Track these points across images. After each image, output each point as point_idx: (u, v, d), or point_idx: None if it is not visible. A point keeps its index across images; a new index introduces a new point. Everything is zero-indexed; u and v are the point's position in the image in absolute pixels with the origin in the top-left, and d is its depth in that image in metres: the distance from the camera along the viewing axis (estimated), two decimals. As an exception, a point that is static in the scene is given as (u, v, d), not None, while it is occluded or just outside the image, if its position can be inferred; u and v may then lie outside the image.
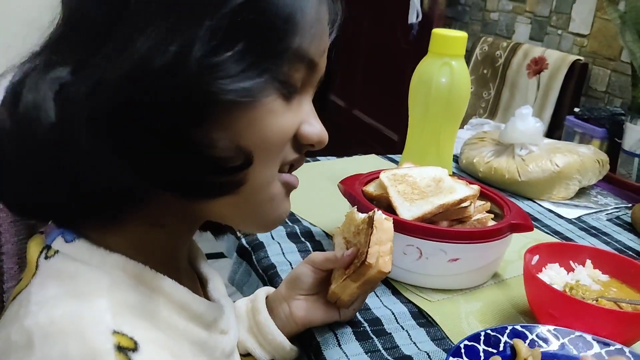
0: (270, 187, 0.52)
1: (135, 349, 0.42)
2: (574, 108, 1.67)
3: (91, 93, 0.42)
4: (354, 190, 0.95)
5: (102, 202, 0.47)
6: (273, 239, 1.00)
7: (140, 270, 0.48)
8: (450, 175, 1.02)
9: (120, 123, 0.43)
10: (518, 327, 0.74)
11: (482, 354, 0.69)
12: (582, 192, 1.37)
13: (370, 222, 0.73)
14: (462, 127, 2.02)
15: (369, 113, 2.67)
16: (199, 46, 0.42)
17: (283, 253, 0.96)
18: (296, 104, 0.51)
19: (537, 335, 0.73)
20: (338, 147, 2.73)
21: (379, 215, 0.74)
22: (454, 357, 0.67)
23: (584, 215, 1.27)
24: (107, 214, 0.49)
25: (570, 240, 1.14)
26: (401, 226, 0.86)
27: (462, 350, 0.68)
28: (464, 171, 1.45)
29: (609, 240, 1.17)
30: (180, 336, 0.50)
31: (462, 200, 0.91)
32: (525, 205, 1.29)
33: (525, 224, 0.91)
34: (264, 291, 0.80)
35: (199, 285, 0.63)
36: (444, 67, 1.13)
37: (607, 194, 1.40)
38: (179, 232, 0.55)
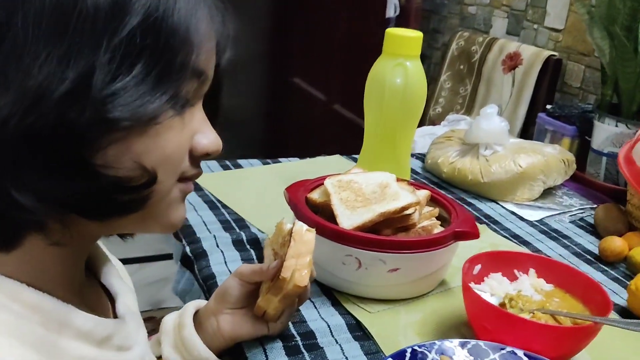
0: (169, 196, 0.52)
1: None
2: (547, 105, 1.64)
3: None
4: (297, 198, 0.92)
5: None
6: (217, 247, 0.98)
7: (40, 299, 0.48)
8: (405, 180, 0.99)
9: (20, 150, 0.42)
10: (447, 343, 0.72)
11: (406, 373, 0.67)
12: (547, 192, 1.35)
13: (291, 233, 0.71)
14: (439, 123, 2.00)
15: (348, 107, 2.65)
16: (98, 73, 0.42)
17: (225, 262, 0.94)
18: (189, 116, 0.51)
19: (468, 351, 0.71)
20: (316, 143, 2.70)
21: (299, 226, 0.72)
22: (374, 376, 0.65)
23: (546, 217, 1.25)
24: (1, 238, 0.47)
25: (529, 244, 1.12)
26: (339, 235, 0.84)
27: (385, 369, 0.66)
28: (429, 171, 1.43)
29: (568, 243, 1.14)
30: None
31: (404, 208, 0.88)
32: (487, 207, 1.27)
33: (471, 231, 0.89)
34: (194, 305, 0.79)
35: (104, 299, 0.62)
36: (398, 67, 1.11)
37: (574, 194, 1.38)
38: (80, 248, 0.54)
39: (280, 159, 1.39)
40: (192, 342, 0.73)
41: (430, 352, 0.70)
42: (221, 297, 0.76)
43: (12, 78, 0.41)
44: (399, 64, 1.11)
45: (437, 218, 0.98)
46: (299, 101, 3.08)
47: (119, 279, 0.65)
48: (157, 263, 2.15)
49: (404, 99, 1.12)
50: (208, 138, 0.53)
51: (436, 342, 0.71)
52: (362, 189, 0.94)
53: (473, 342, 0.72)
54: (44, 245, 0.49)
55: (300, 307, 0.84)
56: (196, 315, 0.77)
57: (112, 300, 0.62)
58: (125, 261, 0.74)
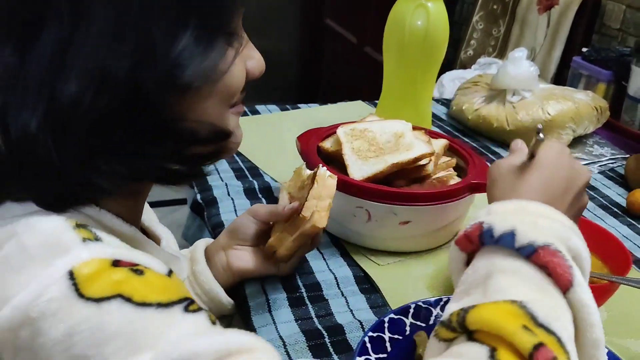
0: (230, 124, 0.53)
1: (96, 239, 0.42)
2: (583, 48, 1.55)
3: (66, 113, 0.41)
4: (308, 147, 0.90)
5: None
6: (228, 195, 0.97)
7: (127, 229, 0.50)
8: (423, 129, 0.95)
9: (97, 131, 0.42)
10: (454, 299, 0.69)
11: (408, 328, 0.66)
12: (577, 140, 1.29)
13: (313, 177, 0.72)
14: (470, 67, 1.92)
15: (380, 50, 2.56)
16: (158, 41, 0.43)
17: (235, 210, 0.93)
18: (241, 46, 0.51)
19: (474, 308, 0.69)
20: (347, 87, 2.64)
21: (323, 171, 0.73)
22: (374, 332, 0.63)
23: (574, 167, 1.20)
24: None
25: (553, 195, 1.08)
26: (348, 187, 0.81)
27: (386, 325, 0.65)
28: (454, 118, 1.38)
29: (595, 195, 1.10)
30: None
31: (417, 159, 0.85)
32: (512, 156, 1.22)
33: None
34: (204, 242, 0.79)
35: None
36: (419, 9, 1.05)
37: (606, 143, 1.31)
38: (147, 193, 0.57)
39: (299, 105, 1.35)
40: (204, 276, 0.74)
41: (435, 308, 0.68)
42: (233, 233, 0.77)
43: (71, 63, 0.41)
44: (420, 4, 1.05)
45: (455, 169, 0.94)
46: (331, 44, 3.00)
47: (159, 223, 0.67)
48: (169, 207, 2.16)
49: (425, 42, 1.06)
50: (258, 61, 0.53)
51: (443, 297, 0.69)
52: (376, 138, 0.90)
53: (481, 299, 0.70)
54: (129, 196, 0.52)
55: (309, 258, 0.83)
56: (205, 251, 0.78)
57: (156, 242, 0.64)
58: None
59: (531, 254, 0.44)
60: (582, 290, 0.43)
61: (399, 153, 0.86)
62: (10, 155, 0.42)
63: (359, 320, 0.72)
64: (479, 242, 0.49)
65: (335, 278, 0.80)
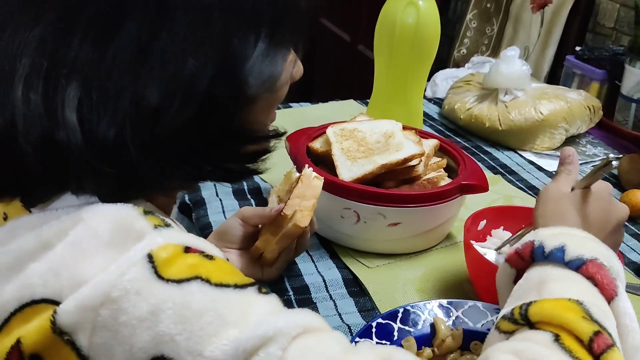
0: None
1: (167, 226, 0.42)
2: (577, 47, 1.54)
3: (138, 119, 0.41)
4: (297, 148, 0.88)
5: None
6: (217, 195, 0.96)
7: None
8: (413, 129, 0.94)
9: (174, 139, 0.43)
10: (444, 303, 0.69)
11: (396, 333, 0.65)
12: (570, 140, 1.28)
13: (300, 177, 0.72)
14: (463, 65, 1.91)
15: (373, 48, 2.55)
16: (236, 53, 0.43)
17: (224, 211, 0.92)
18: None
19: (462, 312, 0.68)
20: (341, 86, 2.62)
21: (309, 171, 0.73)
22: (361, 337, 0.62)
23: (566, 167, 1.19)
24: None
25: (545, 196, 1.07)
26: (337, 188, 0.80)
27: (373, 330, 0.64)
28: (446, 117, 1.37)
29: (587, 196, 1.08)
30: None
31: (407, 160, 0.84)
32: (504, 156, 1.21)
33: (478, 184, 0.84)
34: None
35: None
36: (410, 6, 1.04)
37: (599, 143, 1.30)
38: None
39: (290, 104, 1.34)
40: None
41: (423, 312, 0.67)
42: (221, 235, 0.76)
43: (152, 67, 0.41)
44: (411, 2, 1.04)
45: (446, 169, 0.93)
46: (324, 42, 2.98)
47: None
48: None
49: (415, 40, 1.05)
50: (299, 67, 0.53)
51: (432, 301, 0.68)
52: (365, 138, 0.89)
53: (470, 303, 0.69)
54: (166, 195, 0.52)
55: (297, 261, 0.82)
56: None
57: None
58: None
59: (579, 266, 0.49)
60: (625, 299, 0.49)
61: (389, 154, 0.85)
62: (82, 154, 0.41)
63: (348, 325, 0.71)
64: (530, 258, 0.54)
65: (324, 281, 0.79)
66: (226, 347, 0.37)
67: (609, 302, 0.48)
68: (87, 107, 0.41)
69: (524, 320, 0.47)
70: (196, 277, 0.39)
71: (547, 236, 0.54)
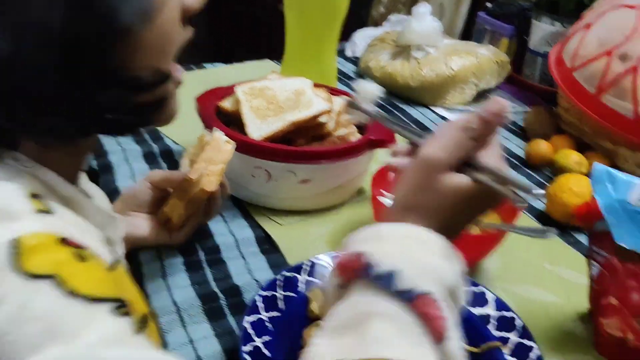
0: (169, 87, 0.48)
1: (50, 212, 0.40)
2: (487, 3, 1.57)
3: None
4: (207, 108, 0.87)
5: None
6: (127, 161, 0.93)
7: (68, 190, 0.47)
8: (325, 86, 0.94)
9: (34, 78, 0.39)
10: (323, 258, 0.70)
11: (302, 285, 0.66)
12: (481, 95, 1.31)
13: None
14: (381, 24, 1.91)
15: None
16: None
17: (134, 176, 0.90)
18: None
19: (369, 263, 0.70)
20: (264, 46, 2.57)
21: (218, 135, 0.71)
22: (266, 290, 0.63)
23: (477, 121, 1.22)
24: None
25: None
26: (246, 147, 0.80)
27: (278, 283, 0.65)
28: (362, 76, 1.38)
29: (495, 148, 1.12)
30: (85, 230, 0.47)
31: (316, 116, 0.84)
32: (417, 113, 1.24)
33: (386, 139, 0.86)
34: None
35: None
36: (318, -37, 1.03)
37: (508, 97, 1.35)
38: (88, 150, 0.54)
39: (205, 65, 1.31)
40: None
41: (330, 265, 0.68)
42: (128, 199, 0.75)
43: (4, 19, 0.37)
44: (319, -42, 1.03)
45: (357, 126, 0.94)
46: (244, 1, 2.92)
47: (89, 182, 0.64)
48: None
49: (325, -3, 1.04)
50: None
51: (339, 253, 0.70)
52: (275, 96, 0.89)
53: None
54: (66, 148, 0.48)
55: (209, 222, 0.81)
56: None
57: None
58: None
59: (409, 301, 0.43)
60: (453, 344, 0.43)
61: (298, 111, 0.85)
62: None
63: (257, 280, 0.72)
64: (355, 273, 0.46)
65: (236, 240, 0.79)
66: None
67: (439, 342, 0.43)
68: None
69: None
70: (52, 277, 0.36)
71: (381, 253, 0.46)
